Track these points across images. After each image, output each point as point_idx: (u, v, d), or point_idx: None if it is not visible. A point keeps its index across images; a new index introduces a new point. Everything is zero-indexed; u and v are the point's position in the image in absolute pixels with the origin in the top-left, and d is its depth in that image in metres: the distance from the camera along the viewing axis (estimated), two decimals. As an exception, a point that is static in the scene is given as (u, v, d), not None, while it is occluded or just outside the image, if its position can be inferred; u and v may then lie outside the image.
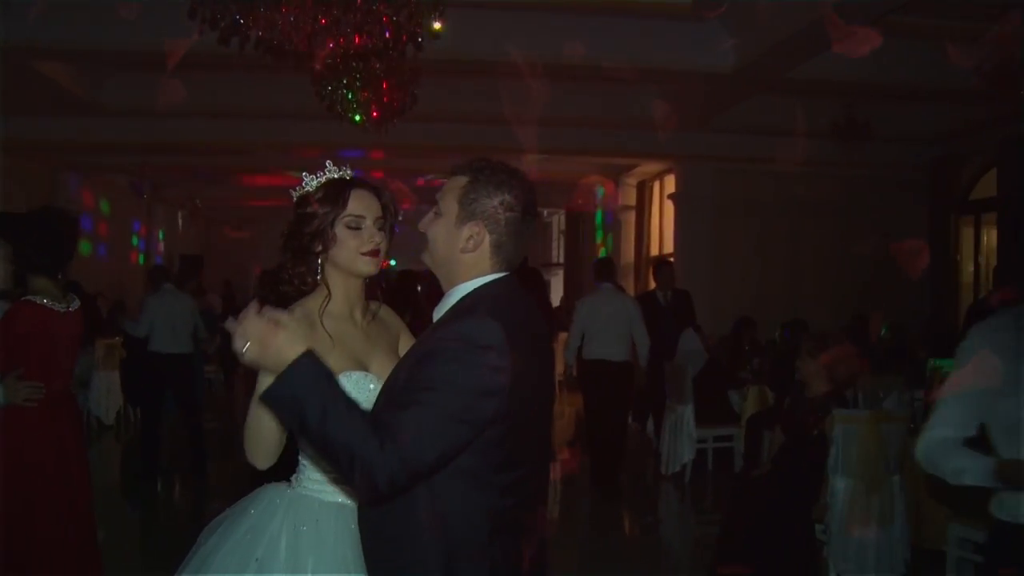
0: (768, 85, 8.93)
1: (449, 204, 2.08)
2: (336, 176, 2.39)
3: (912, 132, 11.06)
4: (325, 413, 1.82)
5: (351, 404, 1.87)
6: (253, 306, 1.90)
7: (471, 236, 2.05)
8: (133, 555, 6.23)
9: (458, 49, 7.75)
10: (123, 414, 10.58)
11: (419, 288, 7.94)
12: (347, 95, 6.76)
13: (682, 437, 8.07)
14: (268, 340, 1.86)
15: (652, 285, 13.76)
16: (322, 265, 2.38)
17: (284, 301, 2.35)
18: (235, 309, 12.30)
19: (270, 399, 1.89)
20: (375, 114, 7.35)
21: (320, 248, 2.36)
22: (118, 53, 8.39)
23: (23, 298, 3.73)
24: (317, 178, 2.40)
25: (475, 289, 2.08)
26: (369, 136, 8.05)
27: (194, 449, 8.14)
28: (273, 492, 2.38)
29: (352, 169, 2.46)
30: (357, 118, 7.00)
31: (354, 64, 6.50)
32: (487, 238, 2.06)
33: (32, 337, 3.72)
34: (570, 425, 11.63)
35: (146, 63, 8.67)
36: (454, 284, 2.12)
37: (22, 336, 3.70)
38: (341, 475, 1.94)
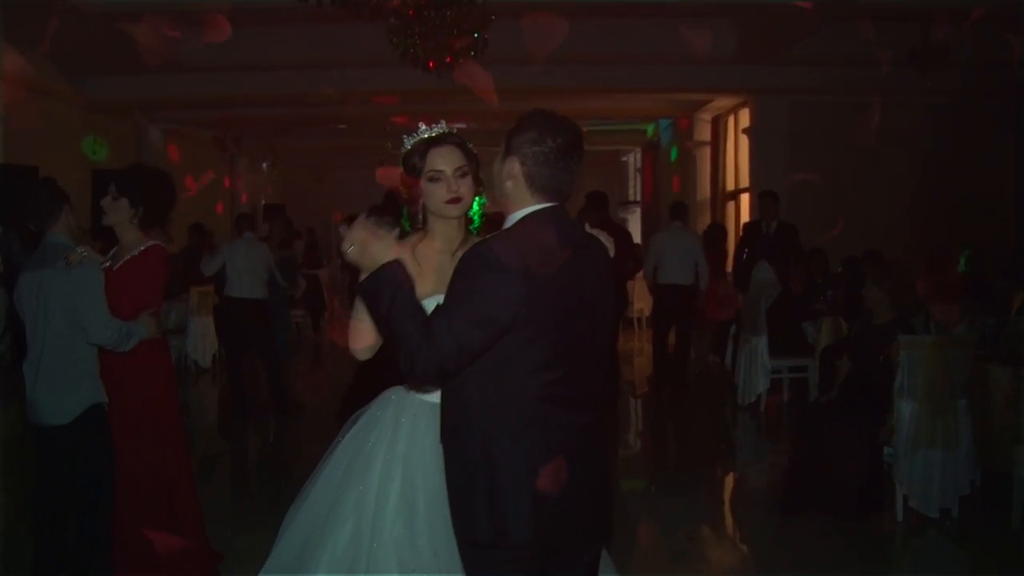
0: (842, 12, 8.76)
1: (502, 147, 2.47)
2: (424, 136, 2.80)
3: (995, 56, 10.75)
4: (391, 307, 2.30)
5: (413, 307, 2.32)
6: (363, 216, 2.40)
7: (508, 169, 2.43)
8: (217, 486, 6.74)
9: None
10: (218, 358, 11.10)
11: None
12: (417, 42, 6.93)
13: (757, 368, 8.19)
14: (368, 245, 2.35)
15: (730, 219, 13.87)
16: (425, 210, 2.83)
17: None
18: (317, 257, 12.71)
19: (360, 289, 2.42)
20: (447, 59, 7.52)
21: (420, 196, 2.83)
22: (196, 12, 8.67)
23: (152, 243, 4.10)
24: (413, 138, 2.82)
25: (522, 217, 2.43)
26: (442, 81, 8.21)
27: (274, 390, 8.52)
28: (392, 392, 2.89)
29: (439, 122, 2.85)
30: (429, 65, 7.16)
31: (425, 13, 6.66)
32: (518, 168, 2.41)
33: (161, 278, 4.15)
34: (649, 362, 11.80)
35: (224, 20, 8.95)
36: (508, 214, 2.48)
37: (157, 277, 4.11)
38: (395, 357, 2.39)
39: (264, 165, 20.49)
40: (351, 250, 2.36)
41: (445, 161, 2.74)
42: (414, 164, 2.77)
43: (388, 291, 2.30)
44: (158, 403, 4.08)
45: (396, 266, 2.33)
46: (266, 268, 8.61)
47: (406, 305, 2.30)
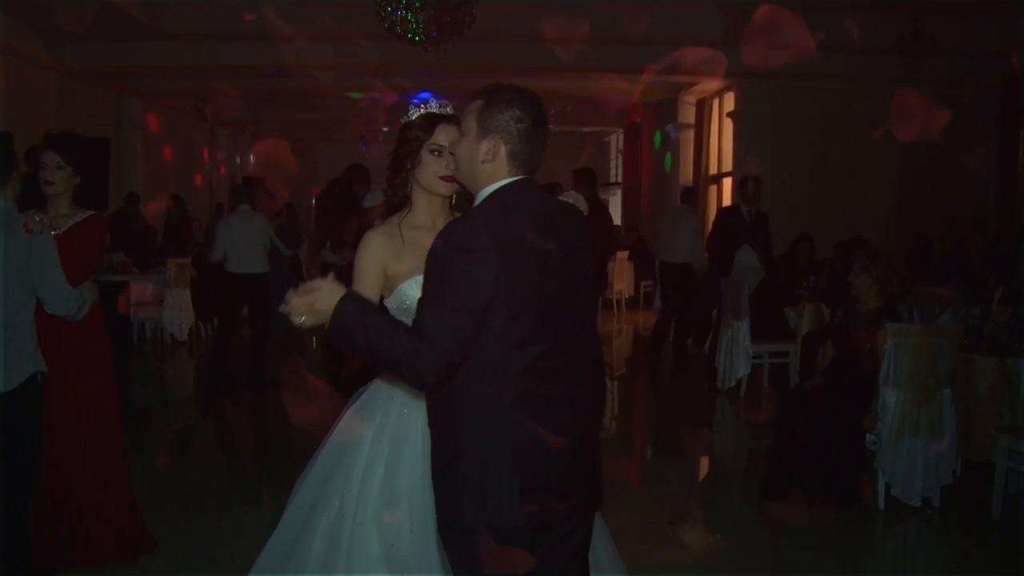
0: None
1: (469, 124, 2.36)
2: (434, 111, 2.83)
3: (980, 46, 10.74)
4: (368, 335, 2.22)
5: (390, 323, 2.28)
6: (290, 292, 2.29)
7: (489, 149, 2.32)
8: (191, 460, 6.68)
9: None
10: (194, 331, 10.98)
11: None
12: (407, 15, 6.83)
13: (738, 353, 8.17)
14: (312, 304, 2.26)
15: (711, 203, 13.86)
16: (411, 182, 2.86)
17: (391, 212, 2.92)
18: (297, 229, 12.47)
19: (330, 336, 2.28)
20: (434, 33, 7.43)
21: (410, 166, 2.83)
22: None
23: (91, 212, 4.10)
24: (420, 110, 2.84)
25: (492, 192, 2.35)
26: (428, 56, 8.11)
27: (255, 365, 8.44)
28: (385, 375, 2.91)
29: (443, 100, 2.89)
30: (417, 38, 7.07)
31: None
32: (502, 148, 2.32)
33: (103, 246, 4.21)
34: (628, 343, 11.82)
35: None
36: (477, 191, 2.39)
37: (101, 245, 4.14)
38: (398, 378, 2.37)
39: (243, 136, 20.24)
40: (303, 320, 2.29)
41: (448, 138, 2.74)
42: (416, 135, 2.79)
43: (358, 324, 2.24)
44: (96, 372, 4.08)
45: (349, 299, 2.27)
46: (265, 240, 8.49)
47: (382, 327, 2.25)
